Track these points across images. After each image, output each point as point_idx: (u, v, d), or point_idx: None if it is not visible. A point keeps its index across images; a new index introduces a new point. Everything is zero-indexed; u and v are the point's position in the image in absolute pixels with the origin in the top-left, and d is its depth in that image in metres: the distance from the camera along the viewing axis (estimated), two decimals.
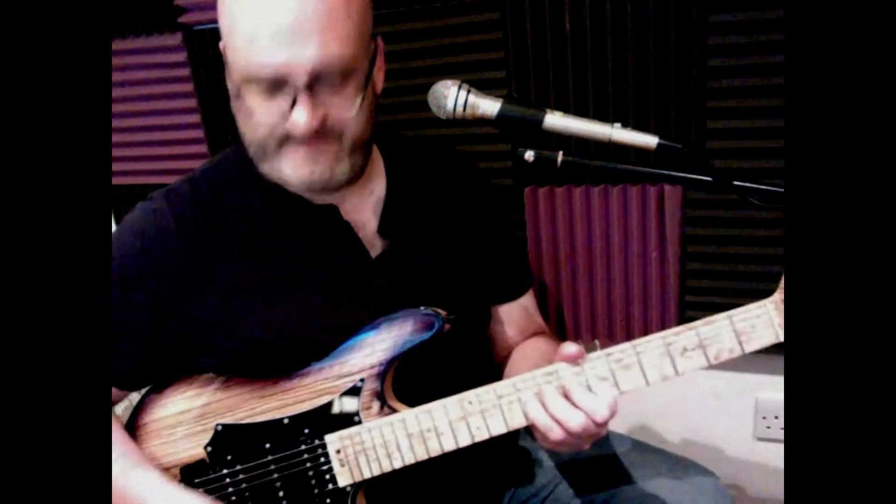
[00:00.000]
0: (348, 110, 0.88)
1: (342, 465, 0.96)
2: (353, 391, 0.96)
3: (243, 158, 0.98)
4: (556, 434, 0.86)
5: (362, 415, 0.95)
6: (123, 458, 0.95)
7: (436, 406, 0.93)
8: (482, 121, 0.88)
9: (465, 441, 0.92)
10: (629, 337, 1.58)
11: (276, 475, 0.97)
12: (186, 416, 0.98)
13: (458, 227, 1.09)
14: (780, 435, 1.55)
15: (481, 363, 1.17)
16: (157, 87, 1.80)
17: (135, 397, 1.05)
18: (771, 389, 1.54)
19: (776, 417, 1.55)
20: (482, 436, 0.92)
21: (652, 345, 0.87)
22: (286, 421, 0.96)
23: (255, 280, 0.97)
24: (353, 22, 0.85)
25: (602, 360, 0.88)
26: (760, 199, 0.82)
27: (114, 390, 1.01)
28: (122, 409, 1.13)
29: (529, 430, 0.92)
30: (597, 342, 1.62)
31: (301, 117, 0.85)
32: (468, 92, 0.87)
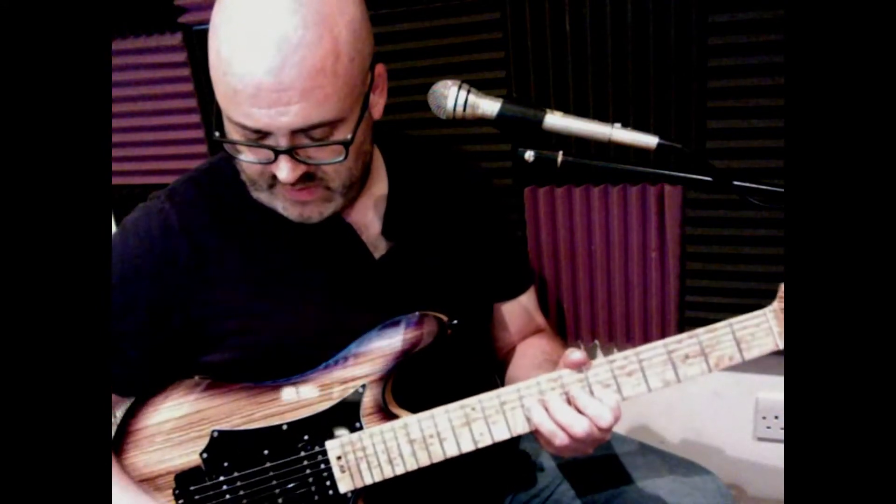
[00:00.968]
0: (333, 160, 0.86)
1: (343, 472, 0.95)
2: (354, 397, 0.95)
3: None
4: (560, 440, 0.86)
5: (363, 421, 0.95)
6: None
7: (438, 412, 0.92)
8: (482, 121, 0.88)
9: (468, 447, 0.92)
10: (629, 337, 1.59)
11: (274, 482, 0.96)
12: (181, 423, 0.97)
13: (461, 227, 1.08)
14: (780, 435, 1.55)
15: (482, 366, 1.16)
16: (157, 87, 1.80)
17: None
18: (771, 389, 1.54)
19: (776, 417, 1.54)
20: (485, 442, 0.91)
21: (654, 352, 0.88)
22: (285, 427, 0.95)
23: (257, 281, 0.97)
24: (339, 81, 0.82)
25: (605, 367, 0.88)
26: (760, 199, 0.82)
27: (113, 396, 1.00)
28: (120, 413, 1.12)
29: (534, 434, 0.92)
30: (597, 342, 1.62)
31: (282, 173, 0.85)
32: (468, 92, 0.87)
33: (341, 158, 0.86)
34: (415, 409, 0.95)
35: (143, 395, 1.00)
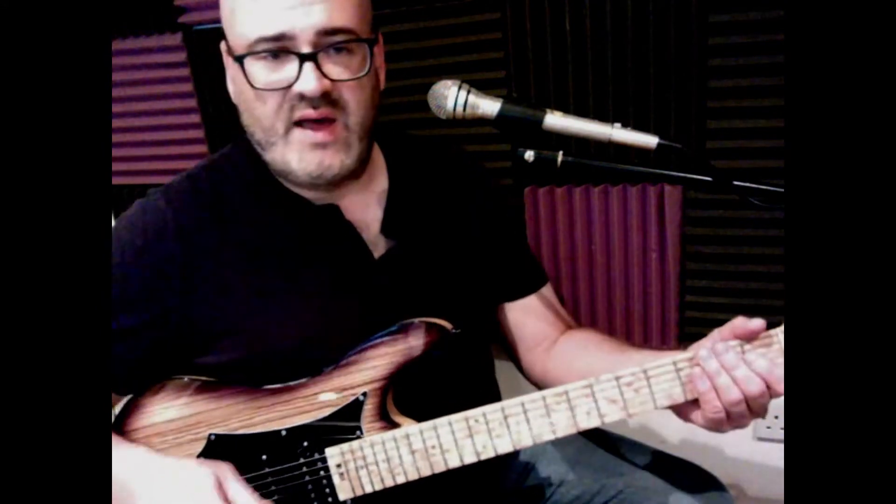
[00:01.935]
0: (354, 84, 0.89)
1: (343, 479, 0.93)
2: (355, 404, 0.94)
3: (243, 157, 0.97)
4: (733, 395, 0.82)
5: (364, 429, 0.93)
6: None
7: (441, 422, 0.91)
8: (482, 121, 0.87)
9: (470, 459, 0.90)
10: (629, 337, 1.59)
11: (272, 488, 0.94)
12: (177, 425, 0.95)
13: (462, 226, 1.07)
14: (780, 435, 1.55)
15: (484, 371, 1.15)
16: (157, 87, 1.80)
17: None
18: None
19: (776, 417, 1.54)
20: (488, 454, 0.90)
21: (662, 369, 0.86)
22: (284, 433, 0.94)
23: (255, 281, 0.96)
24: None
25: (612, 383, 0.86)
26: (760, 199, 0.82)
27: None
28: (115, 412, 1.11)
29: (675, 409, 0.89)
30: None
31: (309, 80, 0.85)
32: (468, 92, 0.87)
33: (366, 71, 0.88)
34: (416, 415, 0.94)
35: (139, 395, 0.98)
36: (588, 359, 1.05)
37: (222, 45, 0.93)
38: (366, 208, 1.01)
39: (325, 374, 0.94)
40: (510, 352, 1.17)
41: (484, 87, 0.89)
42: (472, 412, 0.90)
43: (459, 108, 0.87)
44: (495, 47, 1.46)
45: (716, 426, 0.86)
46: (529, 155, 0.86)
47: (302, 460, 0.94)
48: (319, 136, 0.89)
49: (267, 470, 0.94)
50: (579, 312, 1.59)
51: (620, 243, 1.51)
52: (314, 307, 0.97)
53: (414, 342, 0.94)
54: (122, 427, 0.97)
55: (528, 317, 1.14)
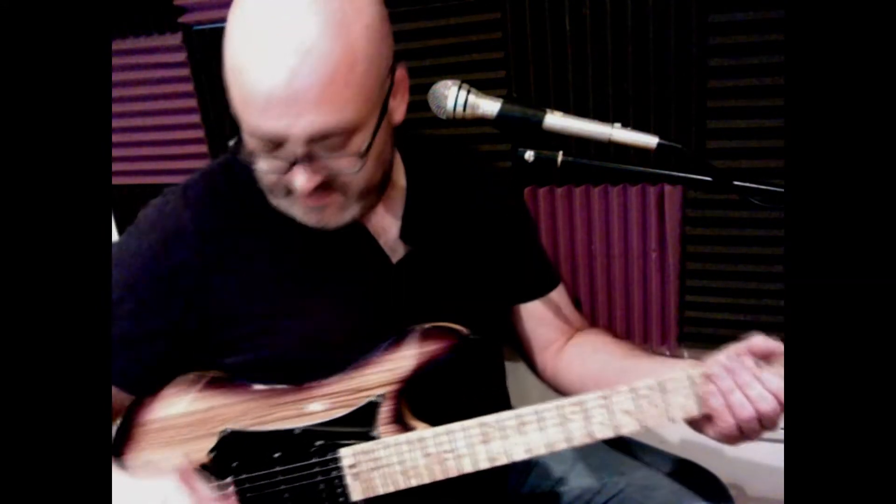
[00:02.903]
0: (350, 169, 0.84)
1: (355, 480, 0.93)
2: (370, 406, 0.93)
3: None
4: (747, 412, 0.82)
5: (379, 430, 0.93)
6: None
7: (455, 428, 0.90)
8: (482, 121, 0.87)
9: (484, 465, 0.90)
10: (629, 337, 1.59)
11: (284, 486, 0.94)
12: (191, 419, 0.95)
13: (479, 229, 1.06)
14: (780, 435, 1.55)
15: (496, 376, 1.15)
16: (157, 87, 1.80)
17: None
18: None
19: None
20: (502, 461, 0.90)
21: (678, 383, 0.86)
22: (298, 431, 0.94)
23: (273, 284, 0.95)
24: (354, 89, 0.80)
25: (628, 395, 0.86)
26: (760, 199, 0.82)
27: (124, 394, 0.97)
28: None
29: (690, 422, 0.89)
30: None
31: (299, 181, 0.83)
32: (468, 92, 0.87)
33: (357, 168, 0.84)
34: (427, 417, 0.94)
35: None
36: (599, 361, 1.05)
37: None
38: (384, 214, 1.00)
39: (341, 375, 0.94)
40: (522, 352, 1.17)
41: (484, 87, 0.89)
42: (487, 418, 0.89)
43: (459, 108, 0.87)
44: (495, 47, 1.46)
45: (728, 440, 0.87)
46: (529, 155, 0.86)
47: (315, 460, 0.94)
48: (318, 201, 0.87)
49: (279, 468, 0.94)
50: (579, 312, 1.58)
51: (620, 243, 1.51)
52: (331, 311, 0.96)
53: (431, 347, 0.93)
54: (134, 419, 0.97)
55: (541, 318, 1.14)
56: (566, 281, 1.57)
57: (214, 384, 0.96)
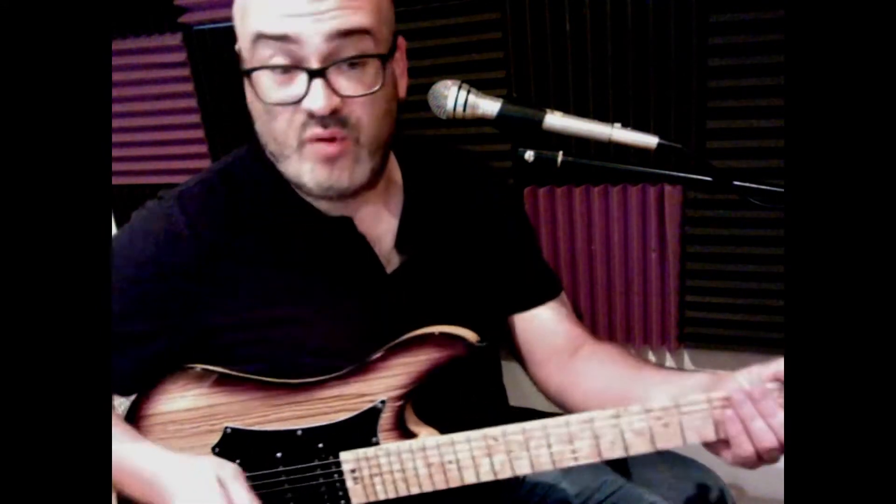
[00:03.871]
0: (366, 99, 0.85)
1: (356, 484, 0.93)
2: (373, 411, 0.93)
3: (257, 164, 0.95)
4: (769, 442, 0.78)
5: (381, 436, 0.93)
6: (123, 435, 0.93)
7: (459, 438, 0.89)
8: (482, 121, 0.87)
9: (486, 477, 0.89)
10: (629, 337, 1.59)
11: (285, 486, 0.94)
12: (194, 414, 0.95)
13: (476, 238, 1.05)
14: None
15: (491, 377, 1.14)
16: (157, 87, 1.80)
17: None
18: None
19: None
20: (505, 474, 0.88)
21: (695, 406, 0.82)
22: (300, 433, 0.94)
23: (268, 290, 0.95)
24: (374, 2, 0.84)
25: (641, 416, 0.83)
26: (760, 199, 0.82)
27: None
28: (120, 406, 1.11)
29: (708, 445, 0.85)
30: None
31: (318, 98, 0.82)
32: (468, 92, 0.87)
33: (377, 88, 0.85)
34: (428, 418, 0.94)
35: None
36: (605, 377, 1.01)
37: (237, 47, 0.90)
38: (379, 222, 0.99)
39: (345, 378, 0.94)
40: (523, 365, 1.13)
41: (484, 87, 0.89)
42: (491, 430, 0.87)
43: (459, 108, 0.87)
44: (495, 47, 1.46)
45: (745, 466, 0.83)
46: (529, 155, 0.86)
47: (316, 462, 0.94)
48: (330, 150, 0.86)
49: (281, 468, 0.94)
50: (579, 312, 1.59)
51: (620, 243, 1.51)
52: (325, 321, 0.96)
53: (437, 354, 0.92)
54: (138, 412, 0.97)
55: (541, 328, 1.10)
56: (566, 281, 1.58)
57: (217, 381, 0.96)
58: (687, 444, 0.84)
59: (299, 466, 0.94)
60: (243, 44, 0.87)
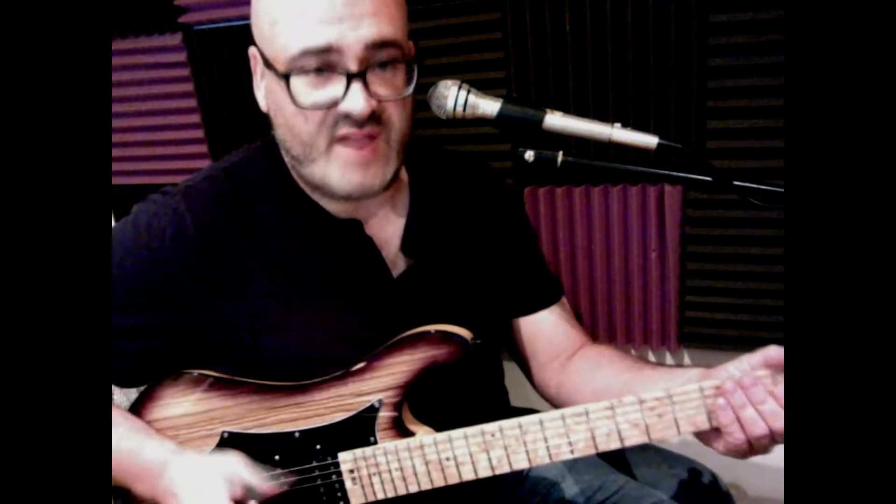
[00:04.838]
0: (399, 101, 0.87)
1: (355, 484, 0.93)
2: (370, 411, 0.93)
3: (266, 163, 0.95)
4: (760, 429, 0.79)
5: (378, 435, 0.93)
6: (136, 432, 0.94)
7: (456, 435, 0.89)
8: (482, 121, 0.87)
9: (484, 473, 0.89)
10: (629, 337, 1.59)
11: (284, 488, 0.94)
12: (191, 419, 0.96)
13: (483, 245, 1.05)
14: None
15: (493, 378, 1.14)
16: (157, 87, 1.80)
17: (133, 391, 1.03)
18: None
19: None
20: (503, 469, 0.89)
21: (687, 395, 0.84)
22: (297, 435, 0.94)
23: (272, 291, 0.94)
24: (400, 9, 0.87)
25: (635, 406, 0.84)
26: (760, 199, 0.82)
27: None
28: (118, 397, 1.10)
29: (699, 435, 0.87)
30: None
31: (357, 100, 0.83)
32: (468, 92, 0.87)
33: (409, 90, 0.88)
34: (428, 418, 0.94)
35: (151, 386, 0.99)
36: (604, 378, 1.02)
37: (252, 52, 0.90)
38: (387, 225, 0.99)
39: (341, 379, 0.94)
40: (524, 368, 1.14)
41: (484, 87, 0.89)
42: (488, 426, 0.88)
43: (459, 108, 0.87)
44: (495, 47, 1.46)
45: (737, 455, 0.84)
46: (529, 155, 0.86)
47: (315, 463, 0.94)
48: (364, 154, 0.86)
49: (279, 471, 0.94)
50: (579, 312, 1.59)
51: (620, 243, 1.51)
52: (329, 322, 0.96)
53: (432, 352, 0.93)
54: (138, 417, 0.97)
55: (543, 332, 1.11)
56: (566, 281, 1.58)
57: (214, 385, 0.96)
58: (681, 433, 0.85)
59: (298, 468, 0.94)
60: (274, 51, 0.85)
